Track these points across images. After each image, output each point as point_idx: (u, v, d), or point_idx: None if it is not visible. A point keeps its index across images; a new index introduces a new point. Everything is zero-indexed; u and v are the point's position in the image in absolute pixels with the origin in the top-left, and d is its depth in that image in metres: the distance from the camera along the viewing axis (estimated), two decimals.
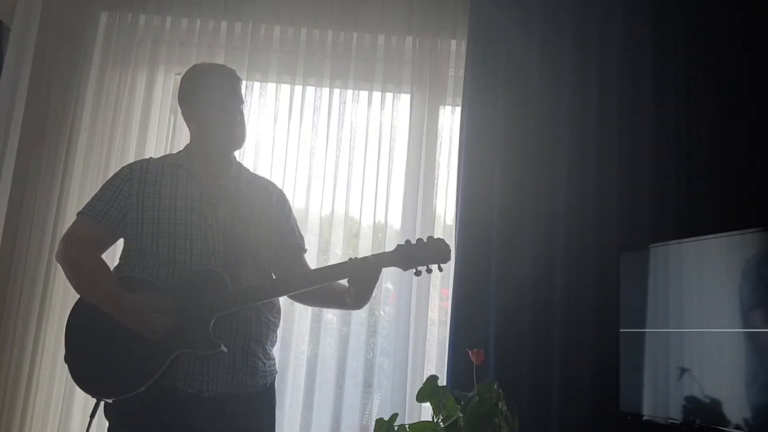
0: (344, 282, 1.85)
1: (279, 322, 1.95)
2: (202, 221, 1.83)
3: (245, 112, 2.01)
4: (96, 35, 3.00)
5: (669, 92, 2.85)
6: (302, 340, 2.81)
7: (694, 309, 2.32)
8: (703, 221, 2.67)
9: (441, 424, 2.18)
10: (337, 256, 2.86)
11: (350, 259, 1.84)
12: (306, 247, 2.08)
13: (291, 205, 2.09)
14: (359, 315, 2.83)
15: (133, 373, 1.70)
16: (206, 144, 1.94)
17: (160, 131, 2.97)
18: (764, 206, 2.67)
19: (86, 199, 2.76)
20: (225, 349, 1.73)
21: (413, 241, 1.83)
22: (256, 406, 1.84)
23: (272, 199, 2.02)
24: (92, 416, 1.80)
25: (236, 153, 2.05)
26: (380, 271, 1.82)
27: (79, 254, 1.83)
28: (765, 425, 2.04)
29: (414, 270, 1.82)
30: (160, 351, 1.71)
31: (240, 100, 1.97)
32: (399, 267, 1.83)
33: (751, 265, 2.15)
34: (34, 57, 2.81)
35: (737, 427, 2.11)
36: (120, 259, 1.89)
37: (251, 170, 2.09)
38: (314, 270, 1.92)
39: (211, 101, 1.92)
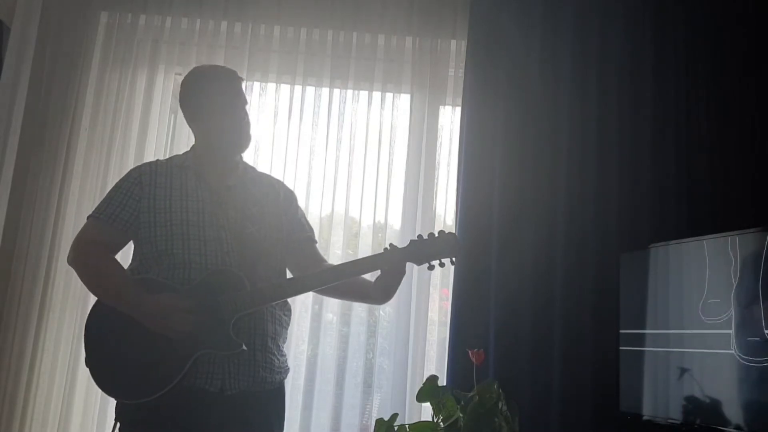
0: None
1: (289, 320, 1.97)
2: (214, 222, 1.83)
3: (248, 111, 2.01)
4: (96, 35, 3.00)
5: (669, 92, 2.85)
6: (302, 340, 2.81)
7: (694, 309, 2.32)
8: (703, 221, 2.67)
9: (441, 424, 2.18)
10: (337, 255, 2.86)
11: (362, 258, 1.87)
12: (316, 238, 2.08)
13: (298, 200, 2.09)
14: (359, 315, 2.83)
15: (156, 375, 1.70)
16: (212, 147, 1.94)
17: (160, 131, 2.97)
18: (764, 206, 2.67)
19: (86, 199, 2.82)
20: (245, 348, 1.74)
21: (425, 236, 1.85)
22: (268, 403, 1.86)
23: (280, 195, 2.02)
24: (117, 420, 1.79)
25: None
26: (404, 266, 1.84)
27: (91, 257, 1.83)
28: (765, 425, 2.04)
29: (427, 264, 1.84)
30: (182, 352, 1.71)
31: (244, 101, 1.97)
32: (413, 262, 1.85)
33: (750, 265, 2.15)
34: (34, 57, 2.80)
35: (737, 427, 2.11)
36: (134, 261, 1.88)
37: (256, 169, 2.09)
38: (329, 268, 1.92)
39: (215, 106, 1.91)
